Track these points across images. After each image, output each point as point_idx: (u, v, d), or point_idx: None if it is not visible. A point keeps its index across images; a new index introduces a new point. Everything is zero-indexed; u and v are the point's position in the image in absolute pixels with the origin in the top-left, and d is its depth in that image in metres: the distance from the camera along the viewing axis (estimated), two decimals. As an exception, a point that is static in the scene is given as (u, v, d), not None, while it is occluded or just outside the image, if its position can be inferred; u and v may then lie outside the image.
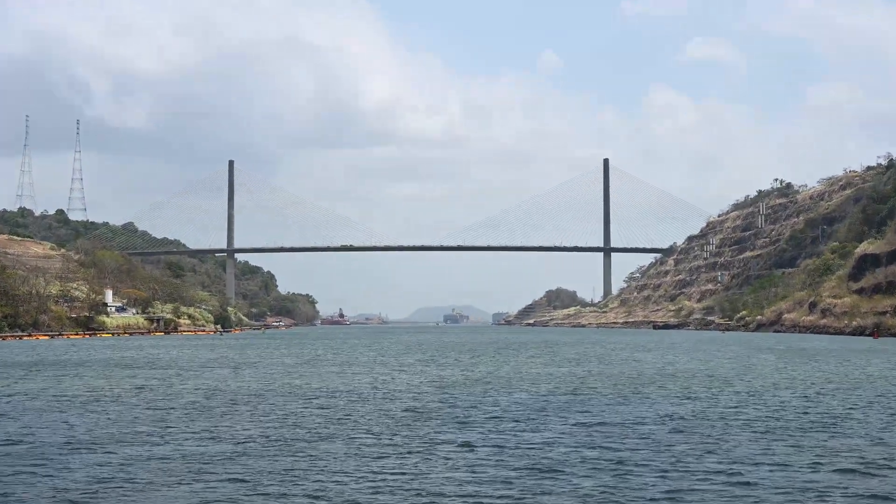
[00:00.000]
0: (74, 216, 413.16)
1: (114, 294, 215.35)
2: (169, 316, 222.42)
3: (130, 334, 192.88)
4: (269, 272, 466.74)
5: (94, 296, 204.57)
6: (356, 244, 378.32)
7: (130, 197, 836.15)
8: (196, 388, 51.40)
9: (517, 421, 35.20)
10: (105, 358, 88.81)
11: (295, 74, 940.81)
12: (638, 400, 43.70)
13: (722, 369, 68.67)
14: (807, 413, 38.16)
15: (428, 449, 28.39)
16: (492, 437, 30.70)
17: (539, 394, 47.18)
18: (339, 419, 36.02)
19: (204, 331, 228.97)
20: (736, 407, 40.48)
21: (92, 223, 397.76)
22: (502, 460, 26.23)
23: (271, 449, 28.44)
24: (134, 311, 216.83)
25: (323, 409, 40.07)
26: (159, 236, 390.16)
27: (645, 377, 59.76)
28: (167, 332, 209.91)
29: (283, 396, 46.16)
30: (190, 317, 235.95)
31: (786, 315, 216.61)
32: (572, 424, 34.14)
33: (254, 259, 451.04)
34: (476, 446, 28.77)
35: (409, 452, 27.76)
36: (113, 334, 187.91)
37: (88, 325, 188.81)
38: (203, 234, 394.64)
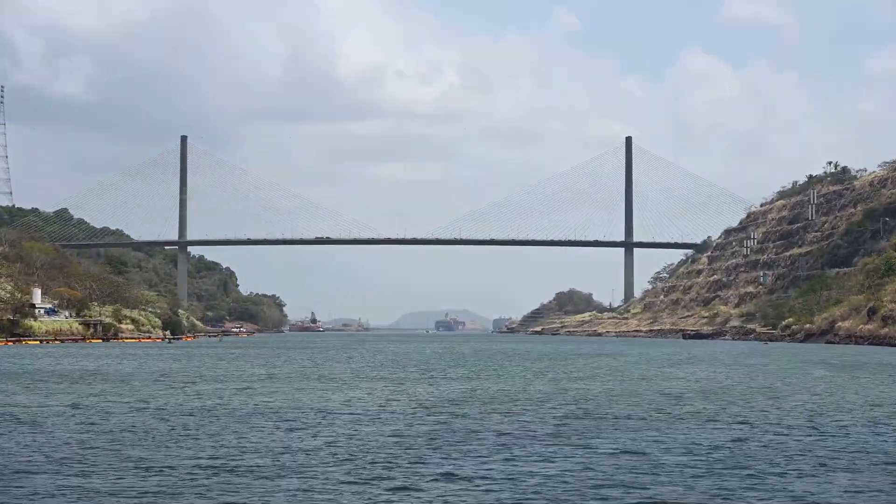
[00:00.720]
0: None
1: (43, 294, 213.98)
2: (108, 320, 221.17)
3: (62, 341, 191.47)
4: (228, 269, 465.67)
5: (19, 295, 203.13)
6: (333, 236, 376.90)
7: (65, 179, 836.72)
8: (132, 409, 50.29)
9: (522, 450, 34.25)
10: (27, 369, 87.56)
11: (260, 34, 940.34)
12: (670, 425, 42.74)
13: (768, 387, 67.78)
14: (873, 441, 37.23)
15: (410, 485, 27.43)
16: (489, 470, 29.71)
17: (549, 417, 46.18)
18: (301, 448, 34.94)
19: (150, 338, 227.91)
20: (787, 434, 39.55)
21: (19, 209, 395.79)
22: (502, 500, 25.16)
23: (214, 484, 27.37)
24: (67, 313, 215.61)
25: (282, 434, 39.00)
26: (98, 225, 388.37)
27: (677, 397, 58.89)
28: (106, 339, 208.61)
29: (236, 420, 45.09)
30: (133, 321, 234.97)
31: (840, 323, 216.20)
32: (590, 454, 33.17)
33: (210, 253, 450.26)
34: (470, 481, 27.80)
35: (387, 490, 26.77)
36: (41, 341, 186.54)
37: (12, 331, 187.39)
38: (150, 223, 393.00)
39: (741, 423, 43.98)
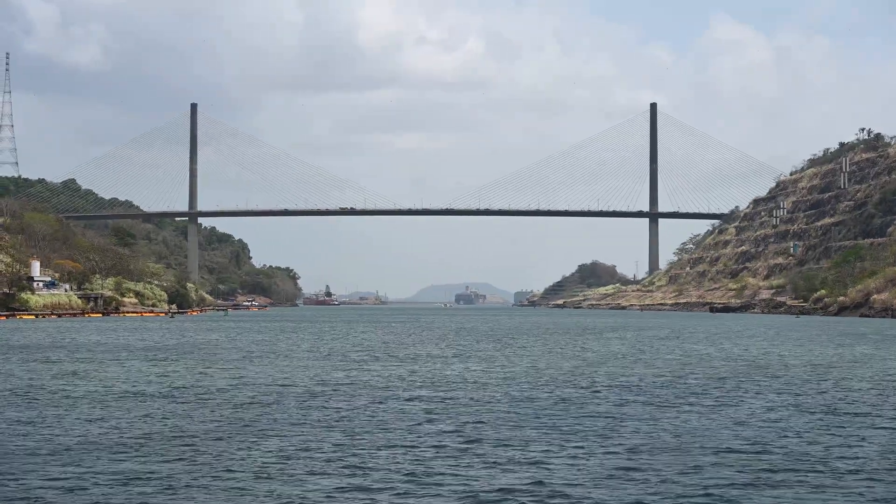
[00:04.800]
0: (2, 171, 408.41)
1: (43, 266, 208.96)
2: (110, 293, 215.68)
3: (59, 315, 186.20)
4: (241, 241, 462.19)
5: (17, 267, 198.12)
6: (357, 207, 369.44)
7: (77, 150, 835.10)
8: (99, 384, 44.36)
9: (551, 441, 28.86)
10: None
11: (277, 1, 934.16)
12: (723, 411, 36.79)
13: (821, 366, 61.71)
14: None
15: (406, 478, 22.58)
16: (511, 470, 24.89)
17: (587, 403, 40.02)
18: (283, 438, 28.87)
19: (153, 312, 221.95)
20: (859, 423, 33.93)
21: (25, 180, 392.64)
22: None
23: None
24: (67, 287, 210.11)
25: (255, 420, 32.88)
26: (107, 196, 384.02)
27: (725, 377, 53.04)
28: (106, 314, 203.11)
29: (203, 399, 39.02)
30: (137, 294, 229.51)
31: (875, 296, 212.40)
32: (638, 445, 27.52)
33: (223, 225, 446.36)
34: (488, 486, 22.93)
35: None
36: (37, 315, 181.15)
37: (7, 305, 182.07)
38: (161, 193, 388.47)
39: (807, 409, 38.36)
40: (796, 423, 34.40)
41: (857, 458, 27.46)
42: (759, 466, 26.06)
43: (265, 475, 24.51)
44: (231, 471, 25.07)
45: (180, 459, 26.57)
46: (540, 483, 23.83)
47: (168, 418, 34.80)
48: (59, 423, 33.38)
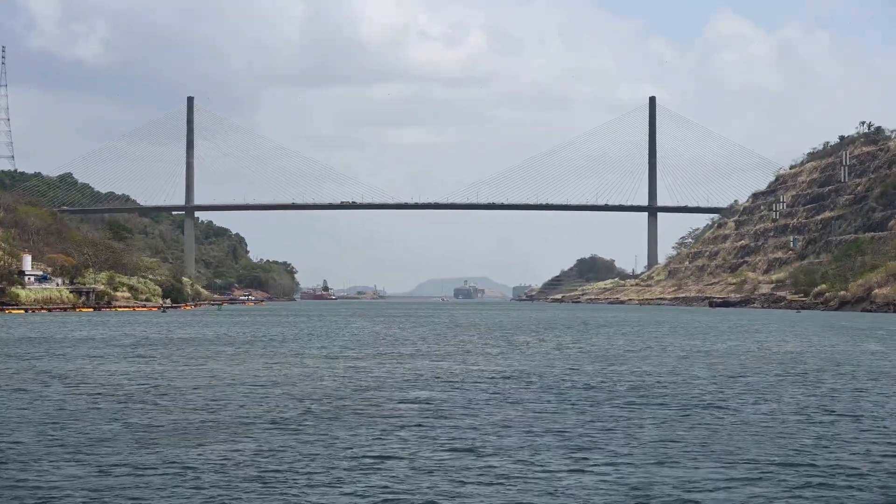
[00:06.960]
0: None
1: (35, 260, 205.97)
2: (102, 287, 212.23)
3: (50, 310, 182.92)
4: (238, 235, 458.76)
5: (9, 261, 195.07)
6: (358, 201, 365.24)
7: (76, 144, 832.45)
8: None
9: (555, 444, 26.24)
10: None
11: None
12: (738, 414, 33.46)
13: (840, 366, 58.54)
14: None
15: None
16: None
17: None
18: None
19: (145, 306, 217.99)
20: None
21: (21, 174, 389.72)
22: None
23: None
24: (59, 281, 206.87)
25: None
26: (103, 190, 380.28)
27: (736, 376, 49.72)
28: (98, 308, 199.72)
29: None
30: (131, 289, 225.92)
31: (877, 290, 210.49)
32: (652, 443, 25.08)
33: (220, 219, 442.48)
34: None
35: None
36: (27, 310, 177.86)
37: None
38: (158, 187, 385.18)
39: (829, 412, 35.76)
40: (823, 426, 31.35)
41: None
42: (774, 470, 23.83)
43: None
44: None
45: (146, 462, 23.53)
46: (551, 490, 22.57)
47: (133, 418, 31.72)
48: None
